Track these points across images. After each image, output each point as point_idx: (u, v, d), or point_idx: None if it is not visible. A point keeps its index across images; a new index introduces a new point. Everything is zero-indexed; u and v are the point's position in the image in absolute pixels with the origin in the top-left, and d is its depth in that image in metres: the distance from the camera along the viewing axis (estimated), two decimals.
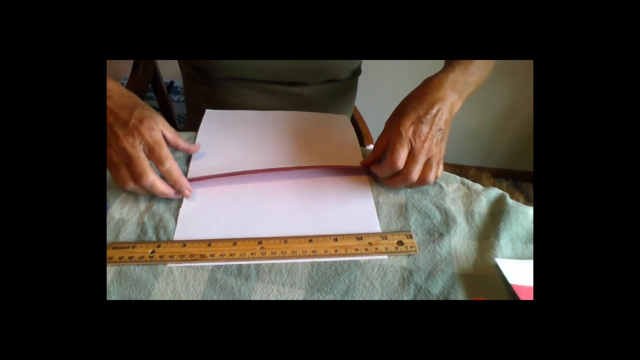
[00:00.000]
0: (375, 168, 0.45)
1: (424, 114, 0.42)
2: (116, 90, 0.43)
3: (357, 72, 0.67)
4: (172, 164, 0.40)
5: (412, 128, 0.41)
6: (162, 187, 0.40)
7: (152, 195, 0.42)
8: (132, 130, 0.39)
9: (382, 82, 1.28)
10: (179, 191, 0.42)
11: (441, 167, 0.44)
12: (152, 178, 0.39)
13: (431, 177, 0.42)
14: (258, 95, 0.60)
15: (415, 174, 0.41)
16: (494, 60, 0.53)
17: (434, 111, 0.42)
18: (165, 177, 0.41)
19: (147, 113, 0.41)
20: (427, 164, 0.42)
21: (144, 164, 0.39)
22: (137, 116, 0.40)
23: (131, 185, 0.40)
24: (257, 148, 0.50)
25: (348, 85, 0.66)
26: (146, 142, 0.39)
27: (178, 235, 0.39)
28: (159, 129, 0.41)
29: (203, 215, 0.41)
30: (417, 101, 0.43)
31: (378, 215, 0.43)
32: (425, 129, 0.41)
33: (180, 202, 0.43)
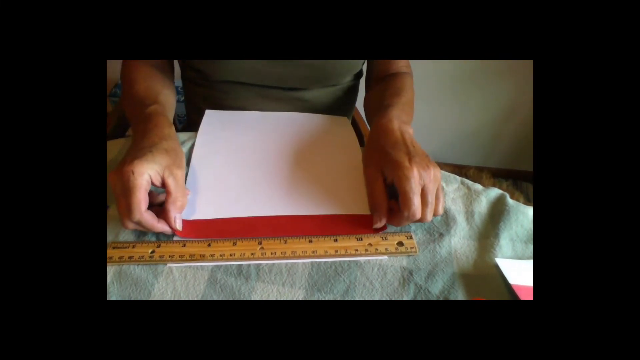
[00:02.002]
0: (393, 221, 0.40)
1: (405, 149, 0.40)
2: (159, 125, 0.43)
3: (359, 75, 0.66)
4: (140, 217, 0.35)
5: (415, 168, 0.37)
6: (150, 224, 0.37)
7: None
8: (117, 167, 0.36)
9: None
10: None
11: (442, 199, 0.40)
12: (138, 217, 0.35)
13: (440, 209, 0.40)
14: (259, 99, 0.60)
15: (430, 214, 0.39)
16: (414, 103, 0.54)
17: (408, 141, 0.41)
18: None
19: (148, 154, 0.37)
20: (437, 198, 0.39)
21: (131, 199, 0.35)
22: (134, 154, 0.37)
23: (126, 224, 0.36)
24: (256, 148, 0.50)
25: (350, 88, 0.66)
26: (121, 184, 0.35)
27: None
28: (144, 174, 0.36)
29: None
30: (386, 142, 0.42)
31: None
32: (422, 162, 0.39)
33: None
